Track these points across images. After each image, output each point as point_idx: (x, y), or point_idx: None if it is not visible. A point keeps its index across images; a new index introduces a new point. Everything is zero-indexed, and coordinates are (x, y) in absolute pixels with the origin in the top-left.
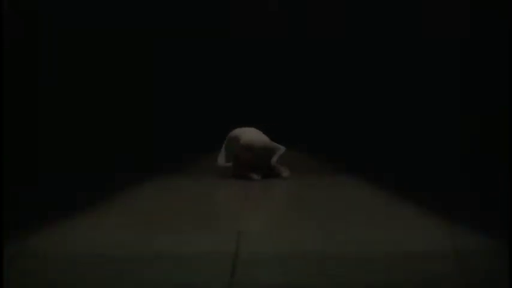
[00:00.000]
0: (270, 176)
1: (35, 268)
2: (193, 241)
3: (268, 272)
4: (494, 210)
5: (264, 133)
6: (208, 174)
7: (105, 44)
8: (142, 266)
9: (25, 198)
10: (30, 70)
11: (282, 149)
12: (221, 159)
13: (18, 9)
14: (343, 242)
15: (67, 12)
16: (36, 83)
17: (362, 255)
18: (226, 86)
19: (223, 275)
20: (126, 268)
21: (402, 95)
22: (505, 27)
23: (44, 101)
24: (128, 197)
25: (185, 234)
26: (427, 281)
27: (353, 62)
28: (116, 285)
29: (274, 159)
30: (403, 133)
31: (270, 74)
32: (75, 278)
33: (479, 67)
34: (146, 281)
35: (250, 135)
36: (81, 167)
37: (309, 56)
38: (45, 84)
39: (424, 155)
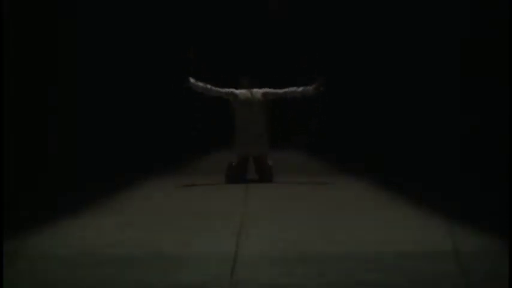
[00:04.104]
0: (262, 179)
1: (35, 268)
2: (193, 241)
3: (267, 272)
4: (494, 211)
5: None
6: (209, 174)
7: (104, 44)
8: (142, 265)
9: (25, 198)
10: (29, 71)
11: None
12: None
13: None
14: (343, 242)
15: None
16: (41, 86)
17: (362, 255)
18: (227, 86)
19: (223, 275)
20: (126, 268)
21: (403, 97)
22: (505, 27)
23: (44, 102)
24: (127, 197)
25: (185, 234)
26: (426, 281)
27: (353, 64)
28: (116, 285)
29: (270, 162)
30: (404, 135)
31: (273, 75)
32: (75, 278)
33: (479, 67)
34: (146, 281)
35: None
36: (81, 167)
37: (311, 57)
38: (48, 86)
39: (425, 156)
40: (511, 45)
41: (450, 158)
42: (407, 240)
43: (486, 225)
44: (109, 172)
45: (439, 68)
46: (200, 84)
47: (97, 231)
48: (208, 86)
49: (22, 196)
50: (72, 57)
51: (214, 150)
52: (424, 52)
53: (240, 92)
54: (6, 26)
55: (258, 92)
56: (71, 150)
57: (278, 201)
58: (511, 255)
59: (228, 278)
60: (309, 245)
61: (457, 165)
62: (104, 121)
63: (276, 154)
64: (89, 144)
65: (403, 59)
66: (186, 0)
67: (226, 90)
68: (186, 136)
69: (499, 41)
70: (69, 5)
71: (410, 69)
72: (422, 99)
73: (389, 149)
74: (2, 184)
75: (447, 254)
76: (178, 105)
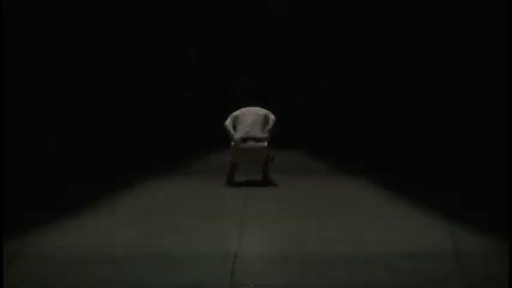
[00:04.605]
0: (264, 181)
1: (35, 268)
2: (193, 241)
3: (267, 272)
4: (494, 211)
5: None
6: (209, 174)
7: (104, 44)
8: (142, 265)
9: (25, 198)
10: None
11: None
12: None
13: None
14: (343, 242)
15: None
16: (41, 86)
17: (362, 255)
18: (227, 86)
19: (223, 275)
20: (126, 268)
21: (403, 97)
22: (505, 27)
23: (44, 103)
24: (128, 197)
25: (186, 234)
26: (427, 281)
27: (354, 64)
28: (116, 285)
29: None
30: (405, 135)
31: (274, 75)
32: (75, 278)
33: (479, 67)
34: (146, 281)
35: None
36: (81, 167)
37: (311, 58)
38: (48, 86)
39: (425, 156)
40: (511, 45)
41: (450, 158)
42: (407, 240)
43: (486, 225)
44: (109, 172)
45: (439, 68)
46: (229, 130)
47: (97, 232)
48: (231, 131)
49: (22, 196)
50: (72, 57)
51: (214, 150)
52: (424, 52)
53: (241, 110)
54: (6, 26)
55: (261, 110)
56: (71, 150)
57: (278, 201)
58: (511, 255)
59: (228, 278)
60: (309, 245)
61: (457, 165)
62: (103, 121)
63: (276, 154)
64: (89, 144)
65: (403, 59)
66: (186, 0)
67: (229, 121)
68: (186, 136)
69: (499, 41)
70: (69, 5)
71: (410, 69)
72: (422, 99)
73: (389, 149)
74: (2, 184)
75: (447, 254)
76: (178, 105)
